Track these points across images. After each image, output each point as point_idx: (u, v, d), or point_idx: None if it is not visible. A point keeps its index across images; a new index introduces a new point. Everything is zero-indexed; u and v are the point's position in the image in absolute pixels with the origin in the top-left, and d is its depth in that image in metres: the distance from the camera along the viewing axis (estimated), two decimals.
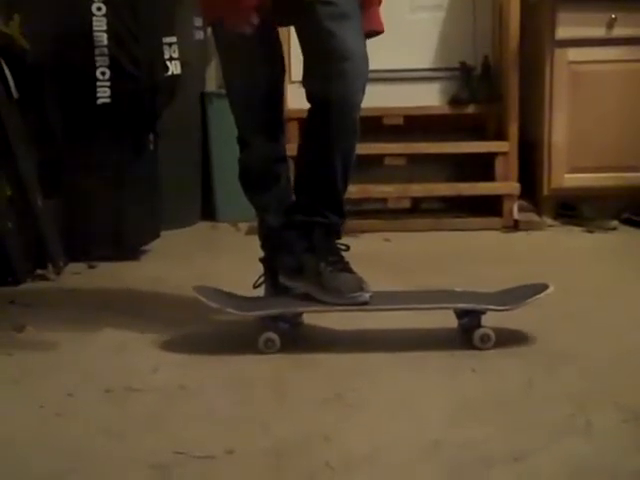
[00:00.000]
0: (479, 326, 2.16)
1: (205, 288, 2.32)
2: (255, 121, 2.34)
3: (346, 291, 2.17)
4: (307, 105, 2.21)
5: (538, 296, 2.17)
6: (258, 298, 2.35)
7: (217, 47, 2.33)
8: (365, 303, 2.17)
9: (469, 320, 2.20)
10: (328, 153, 2.18)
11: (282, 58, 2.34)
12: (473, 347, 2.15)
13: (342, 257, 2.25)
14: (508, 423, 1.72)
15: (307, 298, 2.23)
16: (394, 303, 2.27)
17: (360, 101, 2.17)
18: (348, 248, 2.27)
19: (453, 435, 1.67)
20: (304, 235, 2.25)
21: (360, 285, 2.18)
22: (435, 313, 2.30)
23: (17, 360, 2.19)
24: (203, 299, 2.21)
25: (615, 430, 1.68)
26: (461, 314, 2.24)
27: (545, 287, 2.20)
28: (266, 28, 2.24)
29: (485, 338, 2.14)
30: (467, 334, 2.18)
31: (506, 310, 2.16)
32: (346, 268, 2.22)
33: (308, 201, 2.25)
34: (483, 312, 2.17)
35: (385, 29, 2.35)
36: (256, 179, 2.39)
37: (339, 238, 2.27)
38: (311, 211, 2.23)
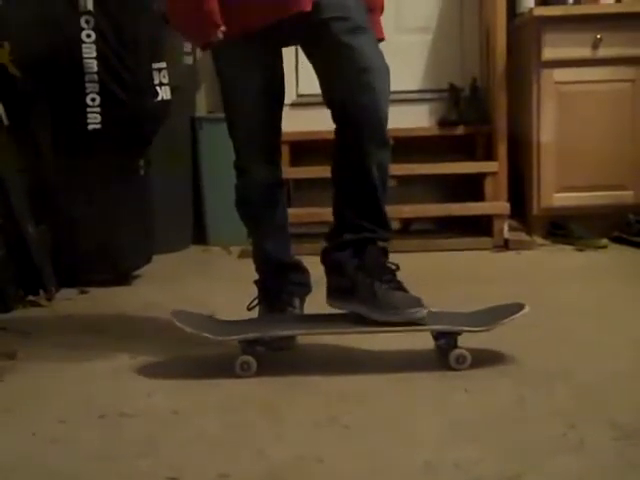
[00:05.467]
0: (455, 347, 2.16)
1: (182, 312, 2.32)
2: (254, 147, 2.33)
3: (403, 307, 2.14)
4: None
5: (514, 316, 2.17)
6: (236, 322, 2.34)
7: (217, 72, 2.31)
8: (422, 319, 2.15)
9: (446, 341, 2.20)
10: (366, 168, 2.16)
11: (282, 80, 2.33)
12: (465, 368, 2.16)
13: (395, 275, 2.22)
14: (501, 443, 1.72)
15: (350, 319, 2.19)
16: (369, 325, 2.23)
17: (387, 111, 2.16)
18: (398, 267, 2.24)
19: (446, 456, 1.67)
20: (355, 254, 2.21)
21: (417, 302, 2.16)
22: (427, 333, 2.30)
23: (9, 387, 2.18)
24: (179, 324, 2.20)
25: (608, 448, 1.68)
26: (438, 335, 2.24)
27: (521, 307, 2.20)
28: (270, 49, 2.25)
29: (461, 359, 2.14)
30: (444, 355, 2.18)
31: (481, 331, 2.16)
32: (400, 287, 2.20)
33: (353, 219, 2.21)
34: (459, 333, 2.17)
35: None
36: (255, 204, 2.38)
37: (387, 256, 2.24)
38: (358, 228, 2.20)
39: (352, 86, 2.11)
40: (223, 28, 2.09)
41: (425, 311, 2.15)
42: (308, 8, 2.09)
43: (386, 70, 2.16)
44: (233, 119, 2.33)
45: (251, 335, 2.19)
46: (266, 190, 2.36)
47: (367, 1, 2.26)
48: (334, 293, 2.26)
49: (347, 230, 2.22)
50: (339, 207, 2.25)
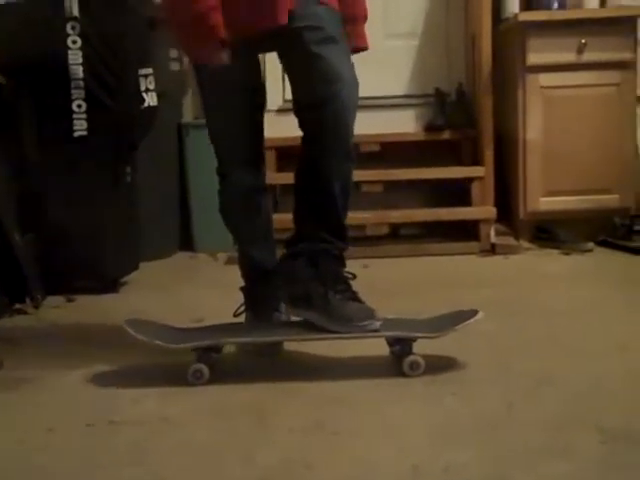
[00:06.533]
0: (410, 353, 2.16)
1: (136, 321, 2.31)
2: (236, 152, 2.32)
3: (356, 319, 2.16)
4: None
5: (467, 322, 2.17)
6: (191, 329, 2.35)
7: (198, 80, 2.31)
8: (375, 331, 2.16)
9: (401, 348, 2.20)
10: (327, 179, 2.16)
11: (263, 85, 2.34)
12: (454, 371, 2.17)
13: (350, 286, 2.23)
14: (488, 447, 1.73)
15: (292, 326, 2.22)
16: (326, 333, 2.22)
17: (353, 123, 2.16)
18: (354, 277, 2.25)
19: (433, 460, 1.67)
20: (310, 264, 2.22)
21: (371, 313, 2.17)
22: None
23: None
24: (132, 332, 2.20)
25: (594, 452, 1.68)
26: (393, 342, 2.24)
27: (474, 313, 2.20)
28: (247, 54, 2.24)
29: (414, 366, 2.14)
30: (398, 361, 2.18)
31: (435, 337, 2.16)
32: (355, 297, 2.21)
33: (311, 229, 2.22)
34: (413, 339, 2.17)
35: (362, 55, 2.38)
36: (238, 211, 2.37)
37: (344, 266, 2.24)
38: (315, 238, 2.21)
39: (319, 96, 2.10)
40: (227, 56, 2.06)
41: (378, 323, 2.16)
42: (285, 21, 2.10)
43: (355, 83, 2.15)
44: (214, 125, 2.32)
45: (204, 343, 2.19)
46: (248, 196, 2.35)
47: (348, 11, 2.26)
48: (290, 301, 2.27)
49: (304, 239, 2.23)
50: (298, 215, 2.25)
